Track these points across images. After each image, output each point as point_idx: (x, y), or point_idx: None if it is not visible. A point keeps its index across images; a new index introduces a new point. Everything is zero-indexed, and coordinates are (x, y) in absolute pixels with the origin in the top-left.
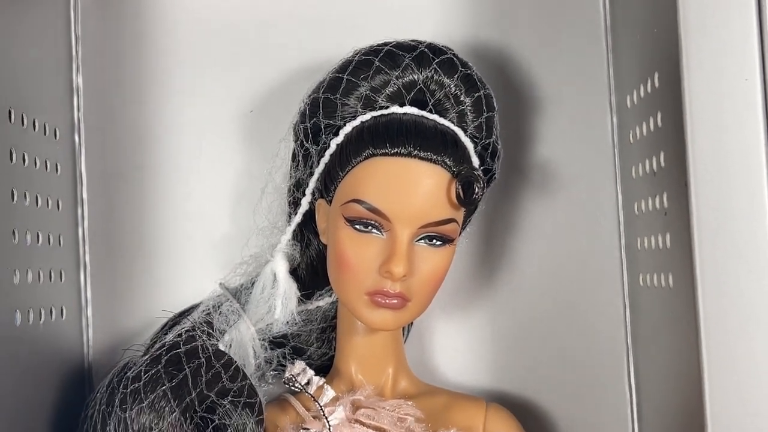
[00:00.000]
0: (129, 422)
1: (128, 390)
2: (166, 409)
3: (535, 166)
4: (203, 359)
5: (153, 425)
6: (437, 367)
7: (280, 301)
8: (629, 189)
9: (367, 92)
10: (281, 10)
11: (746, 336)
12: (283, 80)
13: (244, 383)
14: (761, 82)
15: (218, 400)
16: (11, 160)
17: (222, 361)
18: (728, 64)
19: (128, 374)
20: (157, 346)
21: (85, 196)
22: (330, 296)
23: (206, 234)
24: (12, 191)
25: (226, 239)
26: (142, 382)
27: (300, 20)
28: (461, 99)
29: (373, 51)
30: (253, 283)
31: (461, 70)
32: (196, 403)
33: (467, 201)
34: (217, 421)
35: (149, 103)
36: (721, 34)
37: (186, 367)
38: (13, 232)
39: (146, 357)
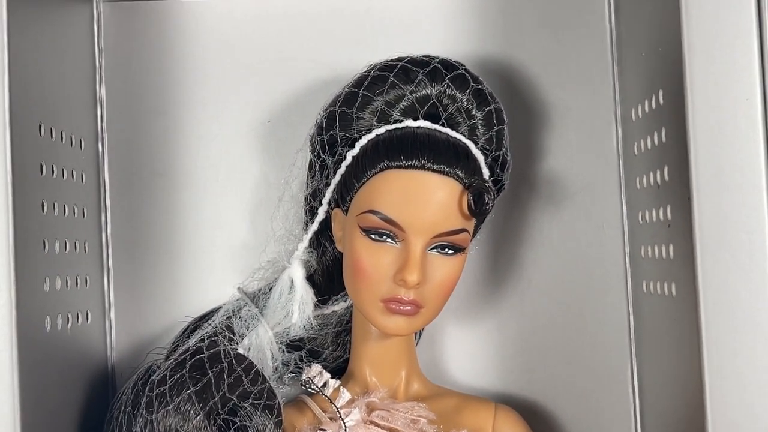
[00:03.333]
0: (155, 424)
1: (154, 393)
2: (191, 411)
3: (542, 176)
4: (225, 364)
5: (179, 427)
6: (447, 369)
7: (297, 306)
8: (633, 199)
9: (382, 106)
10: (297, 25)
11: (747, 344)
12: (299, 91)
13: (263, 386)
14: (761, 103)
15: (240, 403)
16: (41, 172)
17: (243, 365)
18: (730, 85)
19: (153, 378)
20: (180, 350)
21: (108, 203)
22: (345, 301)
23: (225, 240)
24: (42, 202)
25: (244, 245)
26: (167, 386)
27: (314, 34)
28: (473, 113)
29: (388, 66)
30: (270, 288)
31: (473, 85)
32: (219, 405)
33: (478, 212)
34: (238, 423)
35: (170, 113)
36: (724, 56)
37: (209, 371)
38: (44, 242)
39: (171, 361)
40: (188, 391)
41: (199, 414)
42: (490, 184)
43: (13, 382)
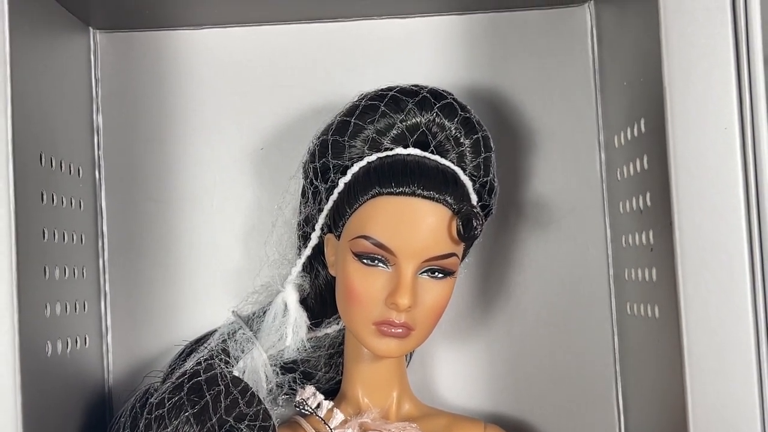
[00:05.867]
0: None
1: (152, 416)
2: None
3: (529, 200)
4: (222, 386)
5: None
6: (438, 390)
7: (291, 330)
8: (617, 223)
9: (373, 135)
10: (290, 54)
11: (727, 365)
12: (292, 119)
13: (259, 408)
14: (739, 131)
15: (236, 425)
16: (42, 201)
17: (239, 388)
18: (709, 114)
19: (152, 400)
20: (178, 373)
21: (105, 229)
22: (337, 324)
23: (219, 264)
24: (43, 230)
25: (239, 270)
26: (166, 409)
27: (307, 63)
28: (461, 141)
29: (378, 96)
30: (264, 311)
31: (461, 114)
32: (216, 427)
33: (467, 236)
34: None
35: (165, 141)
36: (703, 87)
37: (207, 394)
38: (44, 269)
39: (169, 384)
40: (186, 414)
41: None
42: (478, 209)
43: (17, 405)
